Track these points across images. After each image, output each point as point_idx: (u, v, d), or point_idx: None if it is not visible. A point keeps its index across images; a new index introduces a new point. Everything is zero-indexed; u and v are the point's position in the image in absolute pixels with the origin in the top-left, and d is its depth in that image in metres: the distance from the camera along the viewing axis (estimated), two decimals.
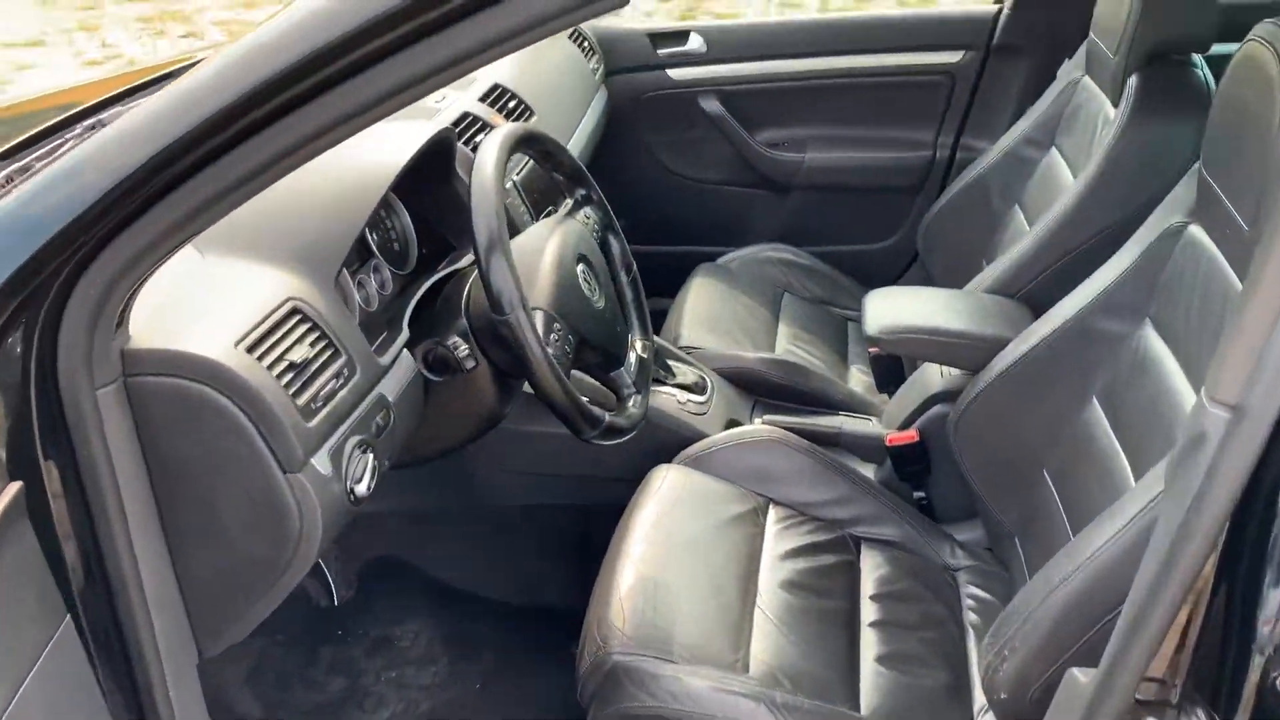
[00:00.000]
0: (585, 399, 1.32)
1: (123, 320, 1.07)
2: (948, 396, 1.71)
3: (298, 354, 1.15)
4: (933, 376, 1.77)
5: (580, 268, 1.40)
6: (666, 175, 2.61)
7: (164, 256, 1.02)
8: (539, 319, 1.29)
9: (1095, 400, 1.44)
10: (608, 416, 1.32)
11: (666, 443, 1.70)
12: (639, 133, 2.58)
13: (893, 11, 2.52)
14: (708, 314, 2.12)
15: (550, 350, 1.26)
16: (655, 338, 1.85)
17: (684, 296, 2.19)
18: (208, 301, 1.17)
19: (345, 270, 1.39)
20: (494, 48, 0.87)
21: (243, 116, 0.89)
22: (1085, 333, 1.45)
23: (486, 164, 1.28)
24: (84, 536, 1.08)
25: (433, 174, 1.55)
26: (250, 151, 0.92)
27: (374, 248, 1.48)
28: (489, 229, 1.23)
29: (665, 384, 1.81)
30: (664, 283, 2.41)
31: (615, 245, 1.58)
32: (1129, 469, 1.32)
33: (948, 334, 1.66)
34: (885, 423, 1.85)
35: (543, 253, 1.37)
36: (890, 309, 1.72)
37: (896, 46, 2.44)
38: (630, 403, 1.43)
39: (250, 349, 1.11)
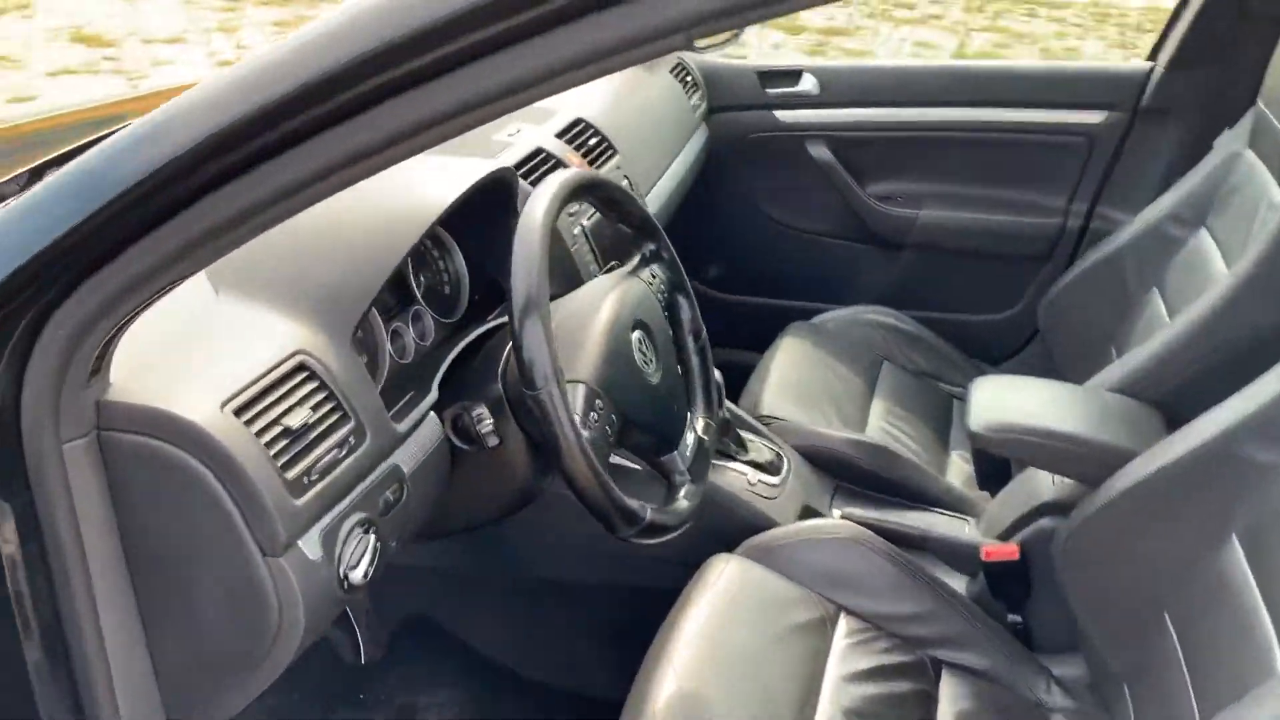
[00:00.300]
0: (635, 466, 1.15)
1: (100, 367, 0.95)
2: (1057, 509, 1.48)
3: (296, 418, 1.01)
4: (1042, 482, 1.54)
5: (636, 335, 1.24)
6: (765, 222, 2.43)
7: (150, 299, 0.89)
8: (579, 394, 1.12)
9: (1235, 540, 1.20)
10: (649, 512, 1.15)
11: (729, 528, 1.52)
12: (740, 175, 2.41)
13: (1030, 63, 2.30)
14: (795, 380, 1.93)
15: (587, 432, 1.09)
16: (730, 405, 1.67)
17: (770, 357, 2.00)
18: (207, 349, 1.04)
19: (379, 317, 1.25)
20: (599, 62, 0.71)
21: (263, 132, 0.74)
22: (1229, 457, 1.22)
23: (536, 212, 1.13)
24: (43, 606, 0.96)
25: (492, 213, 1.41)
26: (264, 178, 0.77)
27: (417, 292, 1.34)
28: (527, 287, 1.08)
29: (736, 459, 1.63)
30: (752, 336, 2.24)
31: (684, 308, 1.40)
32: (1273, 634, 1.09)
33: (1063, 439, 1.44)
34: (984, 528, 1.63)
35: (593, 316, 1.20)
36: (999, 402, 1.51)
37: (1032, 101, 2.20)
38: (681, 493, 1.26)
39: (239, 411, 0.98)
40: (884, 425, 1.92)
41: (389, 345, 1.25)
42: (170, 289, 0.89)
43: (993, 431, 1.47)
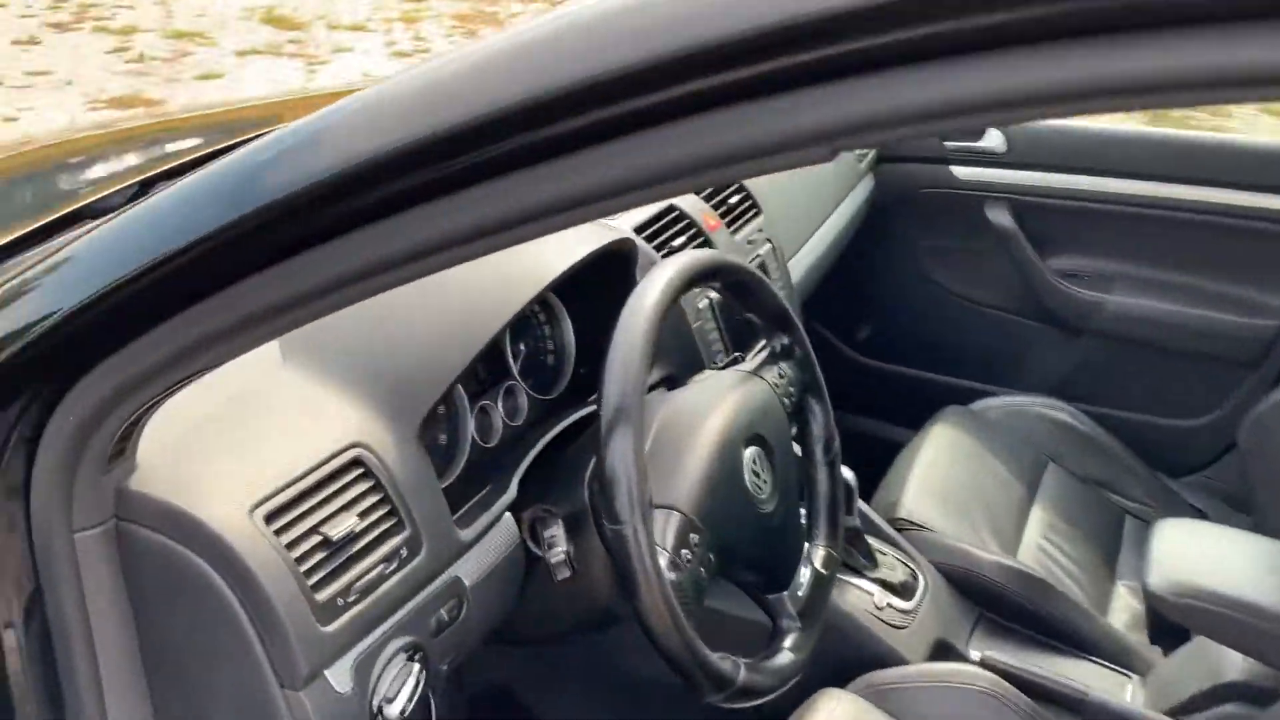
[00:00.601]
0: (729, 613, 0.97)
1: (125, 449, 0.83)
2: (1250, 695, 1.23)
3: (339, 527, 0.87)
4: (1229, 653, 1.28)
5: (750, 453, 1.04)
6: (929, 286, 2.19)
7: (185, 381, 0.77)
8: (671, 525, 0.94)
9: None
10: (743, 672, 0.96)
11: (846, 657, 1.32)
12: (905, 232, 2.18)
13: (1260, 140, 1.97)
14: (942, 478, 1.70)
15: (675, 575, 0.91)
16: (862, 504, 1.46)
17: (917, 446, 1.77)
18: (255, 429, 0.91)
19: (465, 393, 1.11)
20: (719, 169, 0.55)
21: (361, 191, 0.60)
22: None
23: (644, 303, 0.96)
24: (48, 704, 0.86)
25: (608, 280, 1.25)
26: (351, 249, 0.62)
27: (513, 366, 1.18)
28: (620, 394, 0.91)
29: (863, 575, 1.42)
30: (899, 410, 2.02)
31: (816, 414, 1.20)
32: None
33: (1267, 617, 1.18)
34: (1151, 695, 1.37)
35: (700, 427, 1.02)
36: (1185, 557, 1.25)
37: (1258, 184, 1.89)
38: (786, 642, 1.06)
39: (272, 516, 0.84)
40: (1041, 542, 1.67)
41: (472, 426, 1.11)
42: (210, 369, 0.76)
43: (1175, 595, 1.22)
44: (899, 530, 1.57)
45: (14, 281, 0.78)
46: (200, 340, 0.70)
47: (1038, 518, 1.73)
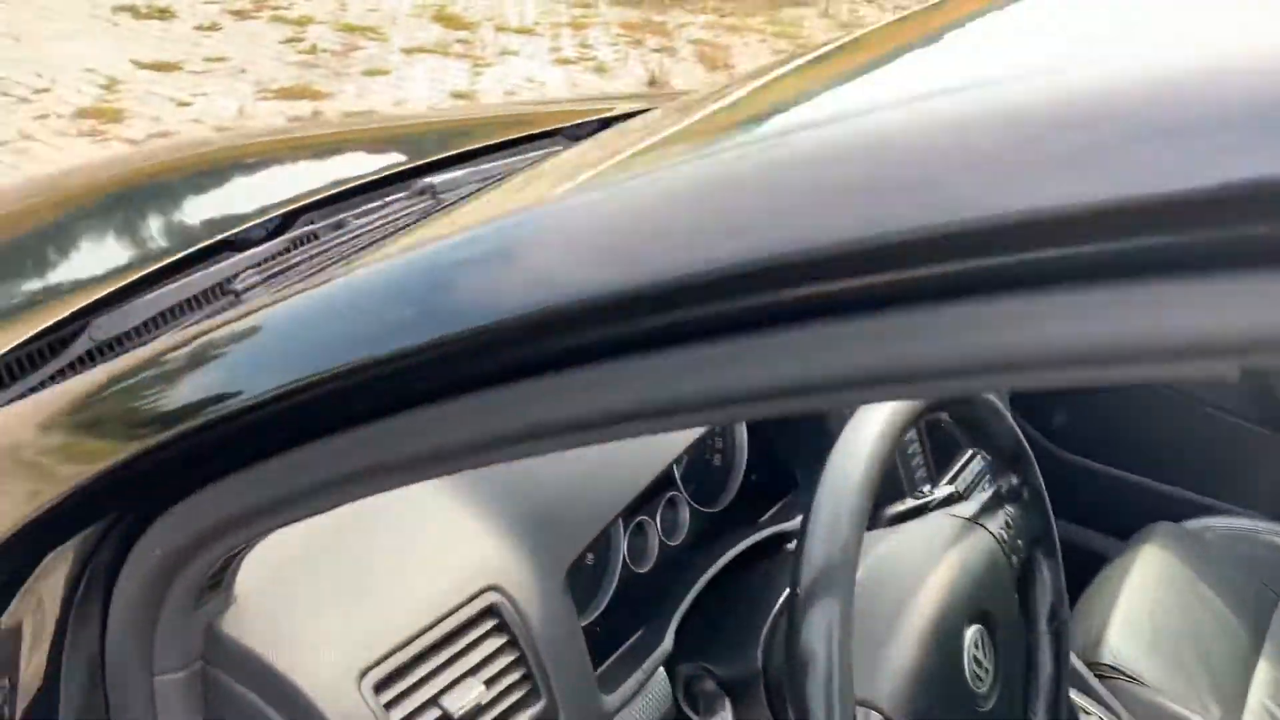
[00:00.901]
0: None
1: (221, 582, 0.69)
2: None
3: (463, 698, 0.71)
4: None
5: (972, 634, 0.84)
6: None
7: (313, 514, 0.62)
8: None
9: None
10: None
11: None
12: None
13: None
14: (1152, 616, 1.45)
15: None
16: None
17: (1123, 573, 1.52)
18: (374, 567, 0.76)
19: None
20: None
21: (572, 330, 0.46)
22: None
23: (865, 444, 0.77)
24: None
25: None
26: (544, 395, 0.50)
27: (676, 474, 1.01)
28: (827, 553, 0.72)
29: None
30: (1096, 513, 1.77)
31: (1045, 573, 0.98)
32: None
33: None
34: None
35: (913, 596, 0.82)
36: None
37: None
38: None
39: (383, 685, 0.69)
40: (1270, 705, 1.41)
41: (624, 548, 0.94)
42: (331, 508, 0.61)
43: None
44: (1101, 677, 1.34)
45: (197, 343, 0.64)
46: (349, 474, 0.56)
47: (1265, 672, 1.46)
